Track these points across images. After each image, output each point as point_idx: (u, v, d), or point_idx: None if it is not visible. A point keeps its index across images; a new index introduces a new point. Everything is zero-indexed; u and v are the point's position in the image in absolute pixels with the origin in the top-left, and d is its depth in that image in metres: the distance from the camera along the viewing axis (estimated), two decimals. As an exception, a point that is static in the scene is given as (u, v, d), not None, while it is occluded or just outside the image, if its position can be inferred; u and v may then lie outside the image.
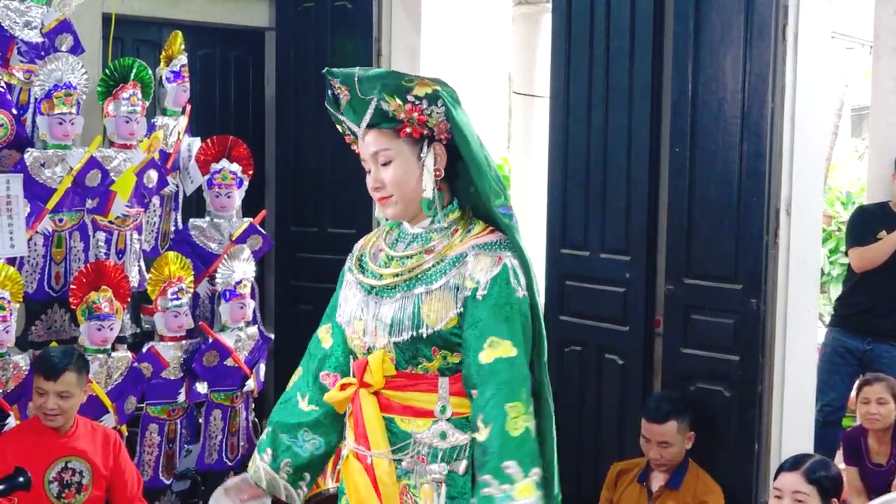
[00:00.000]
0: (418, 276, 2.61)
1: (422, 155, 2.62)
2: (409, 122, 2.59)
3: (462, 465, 2.61)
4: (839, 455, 5.73)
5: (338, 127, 2.79)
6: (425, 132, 2.61)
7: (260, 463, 2.84)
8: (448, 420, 2.61)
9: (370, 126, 2.65)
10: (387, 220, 2.80)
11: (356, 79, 2.63)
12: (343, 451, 2.79)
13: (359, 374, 2.66)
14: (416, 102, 2.56)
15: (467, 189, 2.70)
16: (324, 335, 2.86)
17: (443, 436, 2.60)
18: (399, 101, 2.56)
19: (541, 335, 2.66)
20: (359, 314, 2.68)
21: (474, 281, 2.57)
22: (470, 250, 2.61)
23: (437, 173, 2.63)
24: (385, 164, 2.64)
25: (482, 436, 2.52)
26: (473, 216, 2.71)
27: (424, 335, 2.58)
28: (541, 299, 2.70)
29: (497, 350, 2.53)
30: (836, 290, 8.10)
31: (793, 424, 4.34)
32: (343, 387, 2.70)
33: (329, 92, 2.72)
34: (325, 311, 2.90)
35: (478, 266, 2.58)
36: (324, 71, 2.74)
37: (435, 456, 2.60)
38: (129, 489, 4.18)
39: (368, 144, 2.66)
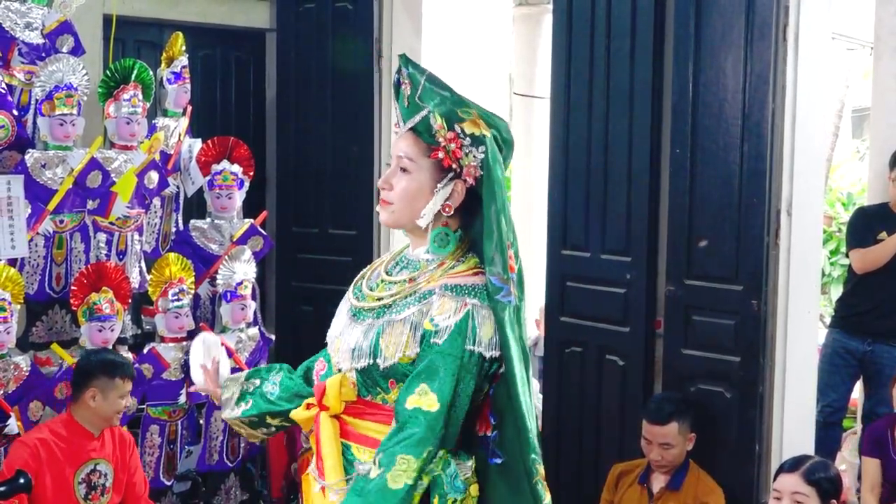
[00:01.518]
0: (390, 305, 2.56)
1: (439, 185, 2.55)
2: (444, 149, 2.52)
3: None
4: (840, 455, 5.74)
5: (394, 106, 2.72)
6: (454, 166, 2.54)
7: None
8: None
9: (412, 129, 2.57)
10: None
11: (421, 83, 2.53)
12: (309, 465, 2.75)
13: (318, 397, 2.63)
14: (461, 136, 2.50)
15: (477, 231, 2.61)
16: None
17: None
18: (444, 125, 2.50)
19: (512, 397, 2.52)
20: (338, 333, 2.66)
21: (433, 324, 2.48)
22: (438, 290, 2.52)
23: (446, 209, 2.56)
24: (402, 171, 2.58)
25: (372, 473, 2.42)
26: (469, 252, 2.62)
27: (381, 366, 2.52)
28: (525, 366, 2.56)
29: (422, 400, 2.43)
30: (836, 291, 8.10)
31: (793, 425, 4.34)
32: (308, 406, 2.69)
33: (396, 76, 2.63)
34: None
35: (440, 309, 2.49)
36: (400, 55, 2.65)
37: None
38: (139, 489, 4.24)
39: (399, 145, 2.60)
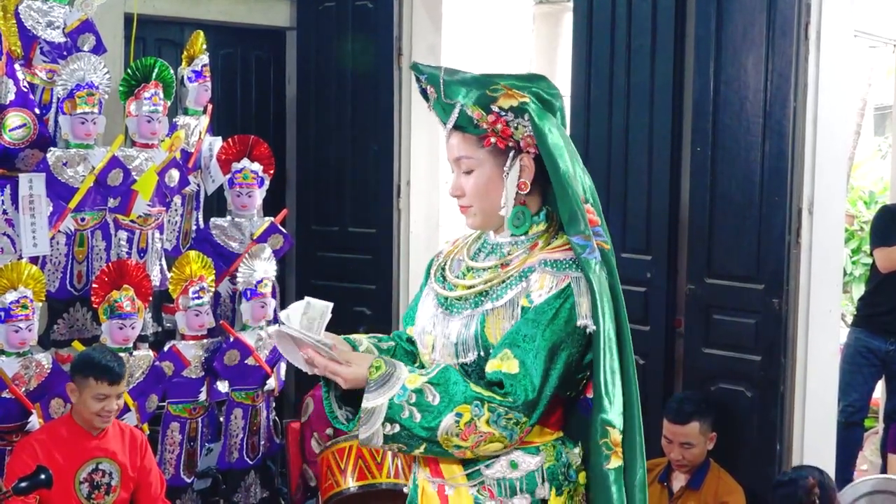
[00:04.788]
0: (487, 292, 2.46)
1: (505, 168, 2.47)
2: (493, 132, 2.44)
3: (546, 490, 2.45)
4: (862, 455, 5.71)
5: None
6: (511, 143, 2.45)
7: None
8: (517, 448, 2.43)
9: (456, 128, 2.49)
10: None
11: (441, 82, 2.46)
12: (415, 477, 2.63)
13: None
14: (501, 114, 2.42)
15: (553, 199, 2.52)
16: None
17: (513, 465, 2.44)
18: (481, 111, 2.42)
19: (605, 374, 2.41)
20: (430, 328, 2.56)
21: (529, 300, 2.40)
22: (538, 265, 2.43)
23: (522, 187, 2.48)
24: (467, 173, 2.50)
25: (435, 400, 2.34)
26: (560, 230, 2.51)
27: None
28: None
29: (502, 363, 2.37)
30: (858, 290, 8.06)
31: (815, 425, 4.32)
32: None
33: (417, 86, 2.56)
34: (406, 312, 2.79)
35: (540, 284, 2.41)
36: (410, 66, 2.57)
37: (513, 488, 2.43)
38: (154, 490, 4.20)
39: (452, 148, 2.51)
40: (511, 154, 2.47)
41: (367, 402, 2.35)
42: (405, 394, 2.34)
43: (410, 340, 2.70)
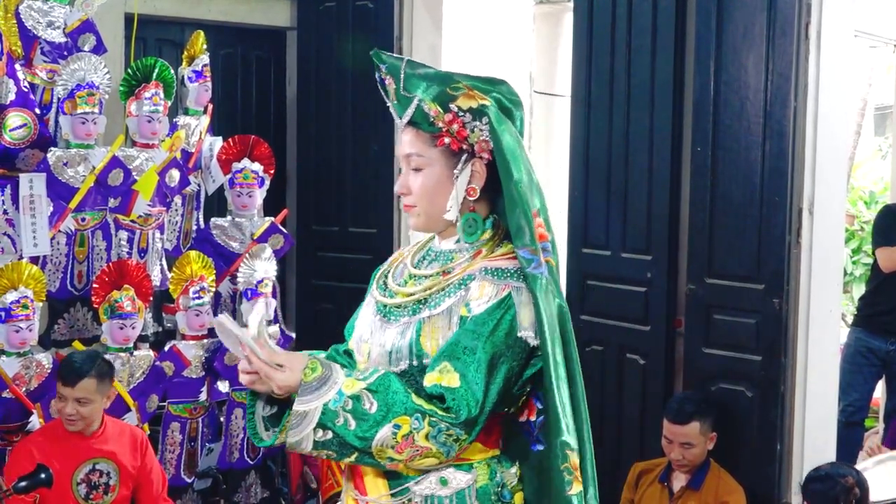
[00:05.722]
0: (425, 300, 2.37)
1: (456, 171, 2.38)
2: (448, 132, 2.35)
3: None
4: (862, 454, 5.71)
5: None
6: (464, 146, 2.37)
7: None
8: (449, 464, 2.34)
9: (410, 124, 2.41)
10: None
11: (402, 73, 2.38)
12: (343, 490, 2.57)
13: None
14: (459, 114, 2.33)
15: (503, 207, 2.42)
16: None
17: (443, 482, 2.34)
18: (439, 109, 2.34)
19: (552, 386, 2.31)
20: (367, 336, 2.46)
21: (468, 309, 2.30)
22: (478, 273, 2.34)
23: (471, 193, 2.39)
24: (416, 170, 2.41)
25: (372, 409, 2.22)
26: (506, 238, 2.42)
27: (423, 367, 2.33)
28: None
29: (442, 377, 2.26)
30: (858, 290, 8.06)
31: (815, 425, 4.32)
32: None
33: (377, 75, 2.47)
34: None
35: (479, 292, 2.31)
36: (371, 52, 2.48)
37: None
38: (155, 488, 4.19)
39: (404, 144, 2.43)
40: (463, 157, 2.39)
41: (300, 406, 2.22)
42: (341, 399, 2.22)
43: (348, 353, 2.61)
